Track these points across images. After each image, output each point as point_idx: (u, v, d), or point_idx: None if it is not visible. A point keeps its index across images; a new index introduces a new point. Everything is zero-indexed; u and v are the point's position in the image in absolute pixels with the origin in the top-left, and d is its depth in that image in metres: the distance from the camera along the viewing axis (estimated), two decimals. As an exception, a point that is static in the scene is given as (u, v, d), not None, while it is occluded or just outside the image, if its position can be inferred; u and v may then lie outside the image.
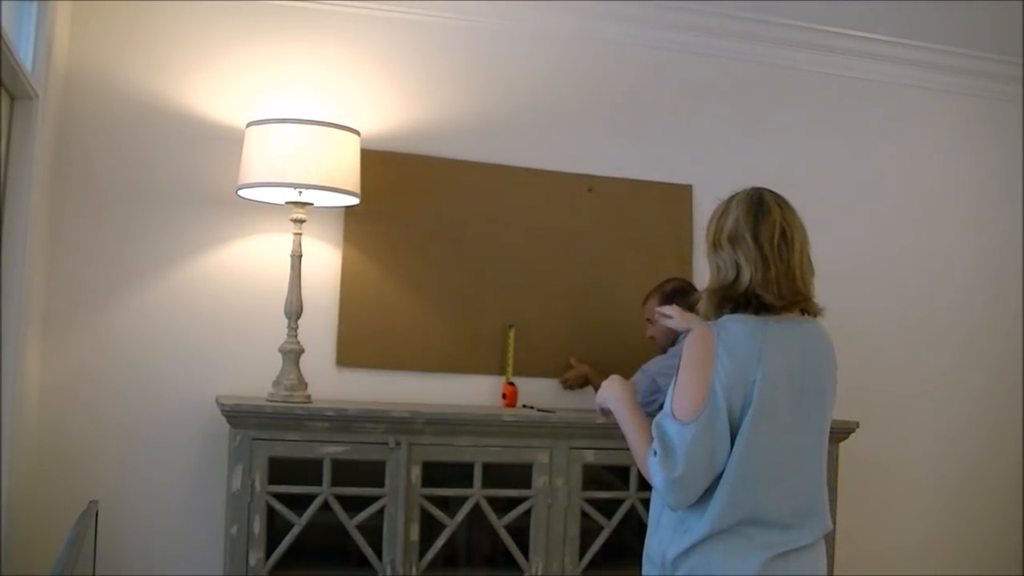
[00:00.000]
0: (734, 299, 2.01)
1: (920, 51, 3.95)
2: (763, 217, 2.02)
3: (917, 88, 4.03)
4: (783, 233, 2.01)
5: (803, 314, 2.06)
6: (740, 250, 2.00)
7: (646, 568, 2.09)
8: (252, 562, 2.81)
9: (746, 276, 1.99)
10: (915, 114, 4.04)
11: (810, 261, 2.07)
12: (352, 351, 3.32)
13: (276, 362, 3.01)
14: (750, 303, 2.00)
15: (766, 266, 1.98)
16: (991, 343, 4.10)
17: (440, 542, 2.98)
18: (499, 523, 3.02)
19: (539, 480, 3.05)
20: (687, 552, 1.96)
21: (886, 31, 3.84)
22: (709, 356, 1.94)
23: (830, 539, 2.11)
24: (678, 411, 1.94)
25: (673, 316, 2.68)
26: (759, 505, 1.94)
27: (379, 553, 2.92)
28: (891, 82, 3.99)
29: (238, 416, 2.83)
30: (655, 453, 1.95)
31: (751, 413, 1.91)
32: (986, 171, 4.13)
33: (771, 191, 2.10)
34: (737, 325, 1.98)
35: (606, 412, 2.20)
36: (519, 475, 3.08)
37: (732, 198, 2.10)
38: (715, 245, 2.06)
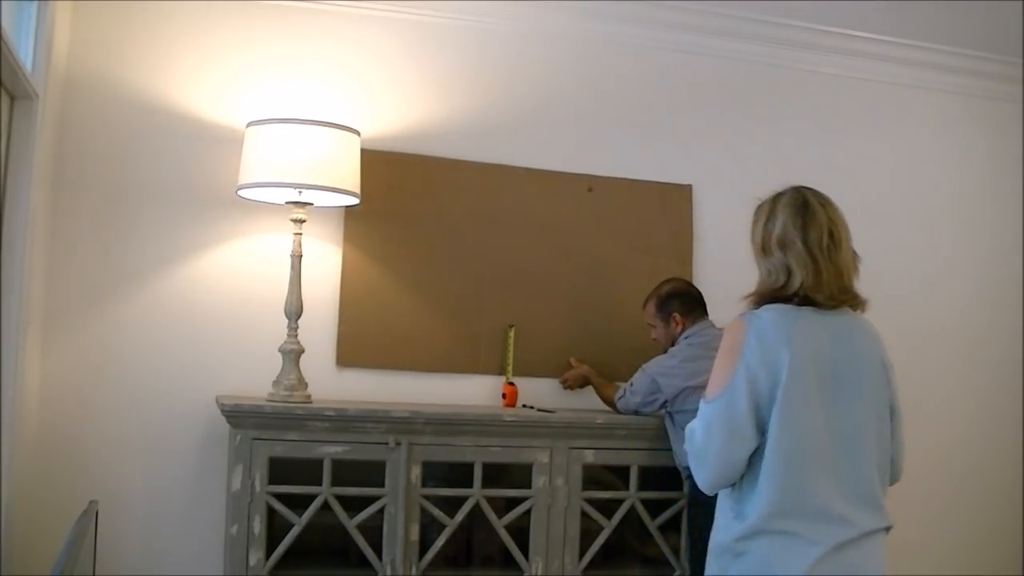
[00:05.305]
0: (783, 300, 2.06)
1: (920, 51, 3.95)
2: (810, 220, 2.07)
3: (917, 88, 4.03)
4: (831, 234, 2.06)
5: (848, 308, 2.10)
6: (790, 254, 2.05)
7: (708, 559, 2.11)
8: (252, 562, 2.81)
9: (797, 280, 2.04)
10: (915, 114, 4.04)
11: (855, 255, 2.12)
12: (352, 351, 3.32)
13: (276, 362, 3.01)
14: (794, 299, 2.04)
15: (817, 269, 2.04)
16: (991, 343, 4.10)
17: (440, 542, 2.98)
18: (499, 523, 3.02)
19: (539, 480, 3.04)
20: (739, 541, 1.98)
21: (886, 31, 3.84)
22: (739, 342, 2.01)
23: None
24: (707, 392, 2.04)
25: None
26: (807, 492, 1.95)
27: (379, 553, 2.92)
28: (891, 82, 3.99)
29: (238, 416, 2.83)
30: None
31: (780, 398, 1.95)
32: (986, 171, 4.13)
33: (812, 190, 2.14)
34: (769, 313, 2.03)
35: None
36: (519, 475, 3.08)
37: (776, 201, 2.13)
38: (764, 249, 2.11)
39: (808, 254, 2.04)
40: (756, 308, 2.08)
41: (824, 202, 2.11)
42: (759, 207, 2.17)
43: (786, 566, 1.93)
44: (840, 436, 2.00)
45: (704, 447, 2.01)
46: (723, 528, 2.06)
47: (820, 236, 2.05)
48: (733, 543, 2.00)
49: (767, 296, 2.08)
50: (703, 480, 2.05)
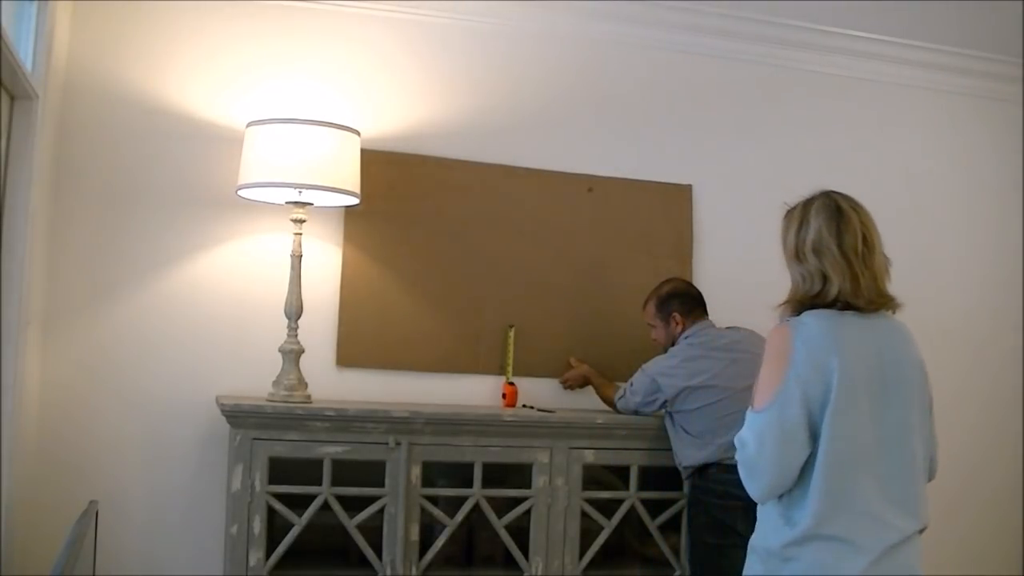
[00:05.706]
0: (822, 306, 2.05)
1: (920, 51, 3.95)
2: (844, 226, 2.07)
3: (917, 88, 4.02)
4: (864, 239, 2.07)
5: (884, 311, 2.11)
6: (826, 261, 2.05)
7: (750, 559, 2.10)
8: (252, 562, 2.81)
9: (834, 286, 2.04)
10: (915, 114, 4.04)
11: (885, 257, 2.13)
12: (352, 351, 3.32)
13: (276, 362, 3.01)
14: (835, 305, 2.04)
15: (854, 274, 2.04)
16: (992, 344, 4.09)
17: (440, 542, 2.98)
18: (499, 523, 3.02)
19: (539, 480, 3.04)
20: (788, 547, 1.98)
21: (886, 31, 3.83)
22: (785, 349, 1.99)
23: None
24: (755, 401, 2.02)
25: None
26: (857, 497, 1.95)
27: (379, 553, 2.92)
28: (891, 82, 3.99)
29: (238, 416, 2.83)
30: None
31: (832, 402, 1.95)
32: (987, 171, 4.12)
33: (842, 194, 2.15)
34: (814, 319, 2.03)
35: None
36: (519, 475, 3.08)
37: (807, 207, 2.13)
38: (798, 257, 2.10)
39: (844, 259, 2.04)
40: (794, 315, 2.07)
41: (855, 207, 2.12)
42: (789, 213, 2.16)
43: (839, 569, 1.93)
44: (887, 439, 2.00)
45: (757, 456, 1.98)
46: (770, 533, 2.04)
47: (855, 241, 2.05)
48: (781, 548, 1.99)
49: (805, 303, 2.07)
50: (756, 489, 2.02)
